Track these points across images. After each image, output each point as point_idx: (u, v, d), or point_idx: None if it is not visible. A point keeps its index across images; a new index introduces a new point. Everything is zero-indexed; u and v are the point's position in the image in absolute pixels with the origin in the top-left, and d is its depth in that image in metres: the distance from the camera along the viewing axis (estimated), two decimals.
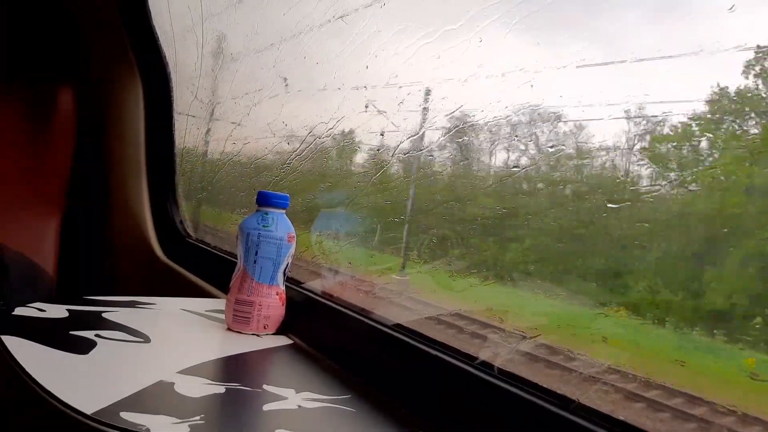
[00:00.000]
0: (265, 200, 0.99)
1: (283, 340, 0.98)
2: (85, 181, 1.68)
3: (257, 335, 0.98)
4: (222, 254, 1.37)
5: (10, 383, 0.70)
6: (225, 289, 1.23)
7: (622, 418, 0.57)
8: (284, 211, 1.00)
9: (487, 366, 0.71)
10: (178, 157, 1.68)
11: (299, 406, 0.70)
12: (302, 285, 1.07)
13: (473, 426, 0.68)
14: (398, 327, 0.84)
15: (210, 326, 1.01)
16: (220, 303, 1.15)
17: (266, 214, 0.99)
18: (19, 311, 0.92)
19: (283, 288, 1.01)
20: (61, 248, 1.58)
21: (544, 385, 0.65)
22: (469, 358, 0.74)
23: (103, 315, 0.97)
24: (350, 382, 0.81)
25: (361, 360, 0.85)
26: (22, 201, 1.57)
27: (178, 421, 0.61)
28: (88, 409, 0.61)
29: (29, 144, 1.63)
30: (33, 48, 1.71)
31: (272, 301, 0.98)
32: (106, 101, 1.70)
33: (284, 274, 1.00)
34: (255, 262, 0.97)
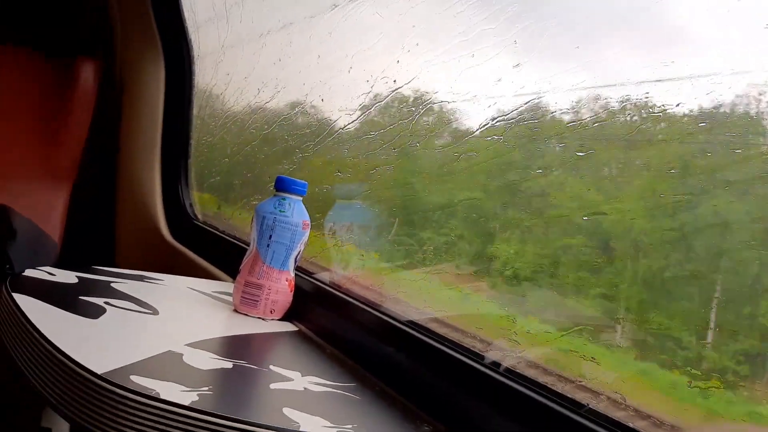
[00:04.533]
0: (283, 186, 0.99)
1: (289, 327, 0.98)
2: (98, 156, 1.69)
3: (263, 319, 0.98)
4: (230, 239, 1.38)
5: (22, 339, 0.70)
6: (231, 273, 1.23)
7: (632, 425, 0.58)
8: (301, 198, 1.00)
9: (494, 365, 0.71)
10: (193, 140, 1.69)
11: (305, 389, 0.70)
12: (313, 275, 1.07)
13: (478, 422, 0.68)
14: (410, 323, 0.84)
15: (217, 306, 1.01)
16: (226, 286, 1.15)
17: (283, 199, 0.99)
18: (29, 272, 0.92)
19: (293, 275, 1.01)
20: (68, 219, 1.58)
21: (550, 385, 0.66)
22: (477, 356, 0.74)
23: (112, 285, 0.97)
24: (355, 372, 0.81)
25: (367, 351, 0.85)
26: (36, 169, 1.58)
27: (187, 389, 0.61)
28: (99, 369, 0.61)
29: (47, 115, 1.63)
30: (59, 20, 1.72)
31: (281, 287, 0.99)
32: (128, 79, 1.71)
33: (295, 261, 1.00)
34: (268, 246, 0.98)
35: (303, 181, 1.00)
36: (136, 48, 1.70)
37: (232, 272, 1.22)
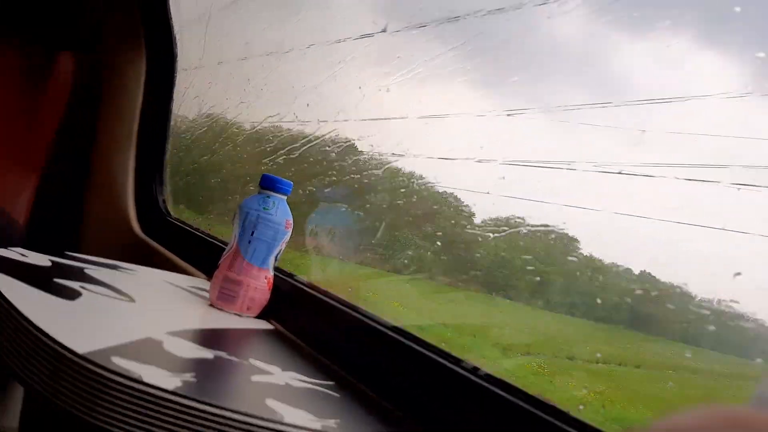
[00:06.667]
0: (268, 184, 0.99)
1: (265, 325, 0.97)
2: (71, 145, 1.65)
3: (239, 315, 0.97)
4: (203, 236, 1.36)
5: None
6: (203, 270, 1.21)
7: None
8: (285, 197, 1.00)
9: (473, 369, 0.72)
10: (170, 138, 1.66)
11: (286, 383, 0.70)
12: (294, 277, 1.06)
13: (456, 425, 0.69)
14: (393, 327, 0.84)
15: (192, 300, 1.00)
16: (201, 282, 1.14)
17: (268, 197, 0.99)
18: (1, 252, 0.89)
19: (272, 274, 1.00)
20: (35, 206, 1.54)
21: (527, 390, 0.67)
22: (455, 359, 0.74)
23: (86, 271, 0.95)
24: (332, 371, 0.81)
25: (345, 352, 0.85)
26: (4, 152, 1.53)
27: (170, 374, 0.60)
28: (80, 349, 0.59)
29: (21, 101, 1.59)
30: (41, 10, 1.68)
31: (260, 284, 0.98)
32: (107, 72, 1.68)
33: (275, 259, 1.00)
34: (250, 242, 0.97)
35: (288, 181, 1.00)
36: (117, 40, 1.67)
37: (205, 269, 1.20)
